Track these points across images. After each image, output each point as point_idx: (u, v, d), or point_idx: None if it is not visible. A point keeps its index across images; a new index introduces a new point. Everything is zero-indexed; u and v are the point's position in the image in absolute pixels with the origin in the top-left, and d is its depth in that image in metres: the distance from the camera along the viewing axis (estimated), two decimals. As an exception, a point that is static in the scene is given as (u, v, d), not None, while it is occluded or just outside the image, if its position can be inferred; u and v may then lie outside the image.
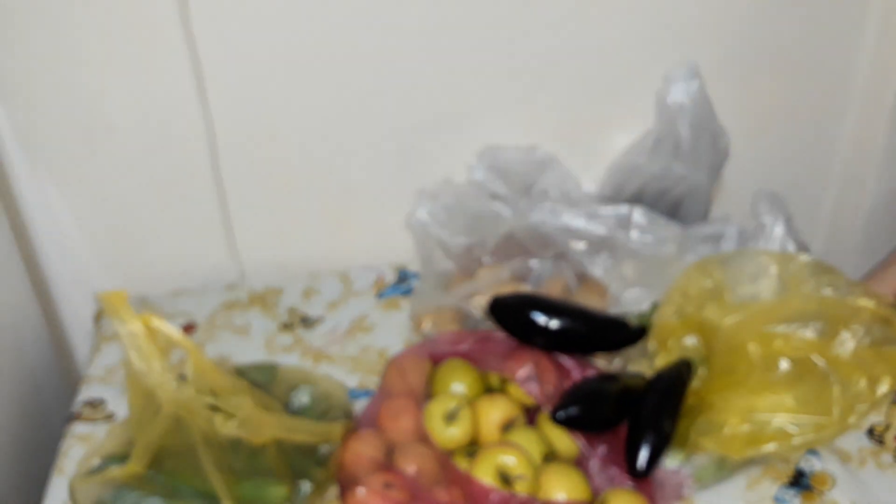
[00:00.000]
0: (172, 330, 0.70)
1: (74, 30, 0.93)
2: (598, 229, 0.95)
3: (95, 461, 0.81)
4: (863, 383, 0.74)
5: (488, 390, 0.89)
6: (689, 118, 1.05)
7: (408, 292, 1.09)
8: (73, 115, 0.98)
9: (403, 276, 1.13)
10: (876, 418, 0.87)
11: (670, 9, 1.05)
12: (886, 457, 0.83)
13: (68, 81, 0.96)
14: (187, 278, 1.10)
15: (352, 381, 0.95)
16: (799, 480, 0.82)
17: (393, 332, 1.02)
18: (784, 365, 0.75)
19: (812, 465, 0.83)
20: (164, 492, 0.76)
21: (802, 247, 0.94)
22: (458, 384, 0.87)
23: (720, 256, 0.92)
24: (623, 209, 0.96)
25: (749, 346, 0.76)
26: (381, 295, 1.09)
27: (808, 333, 0.76)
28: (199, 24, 0.94)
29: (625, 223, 0.96)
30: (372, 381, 0.95)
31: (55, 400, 1.06)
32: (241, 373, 0.86)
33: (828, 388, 0.74)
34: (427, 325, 0.98)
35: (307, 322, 1.04)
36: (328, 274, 1.12)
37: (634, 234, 0.95)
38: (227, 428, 0.69)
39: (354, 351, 0.99)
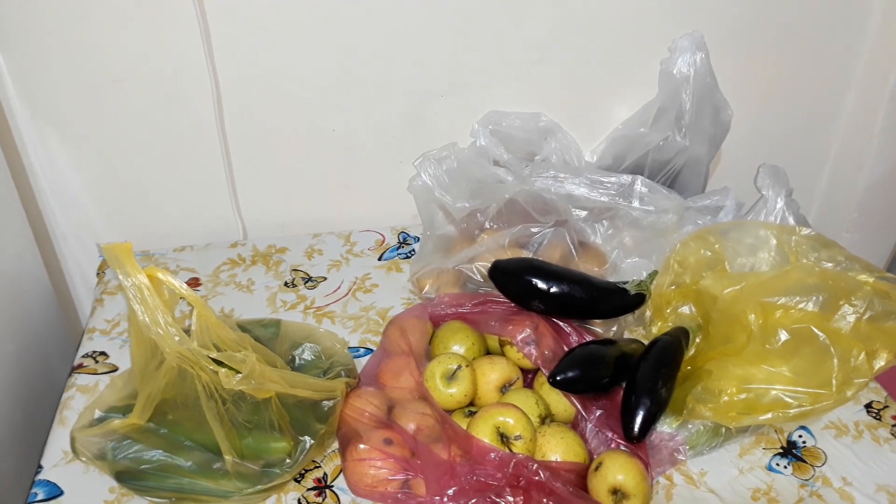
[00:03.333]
0: (178, 283, 0.70)
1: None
2: (601, 198, 0.96)
3: (97, 412, 0.82)
4: (861, 357, 0.75)
5: (487, 353, 0.90)
6: (692, 90, 1.05)
7: (408, 255, 1.10)
8: (79, 69, 0.98)
9: (404, 240, 1.13)
10: (875, 396, 0.89)
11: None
12: (883, 432, 0.85)
13: (75, 35, 0.96)
14: (190, 235, 1.11)
15: (353, 340, 0.96)
16: (791, 451, 0.83)
17: (393, 293, 1.03)
18: (783, 336, 0.75)
19: (805, 439, 0.85)
20: (165, 444, 0.77)
21: (801, 221, 0.95)
22: (458, 346, 0.88)
23: (719, 227, 0.92)
24: (625, 178, 0.97)
25: (748, 317, 0.77)
26: (382, 257, 1.10)
27: (809, 306, 0.76)
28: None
29: (627, 192, 0.96)
30: (372, 340, 0.96)
31: (57, 351, 1.07)
32: (245, 328, 0.86)
33: (826, 361, 0.74)
34: (428, 288, 0.99)
35: (310, 281, 1.05)
36: (330, 235, 1.13)
37: (636, 204, 0.95)
38: (232, 382, 0.70)
39: (355, 310, 1.00)
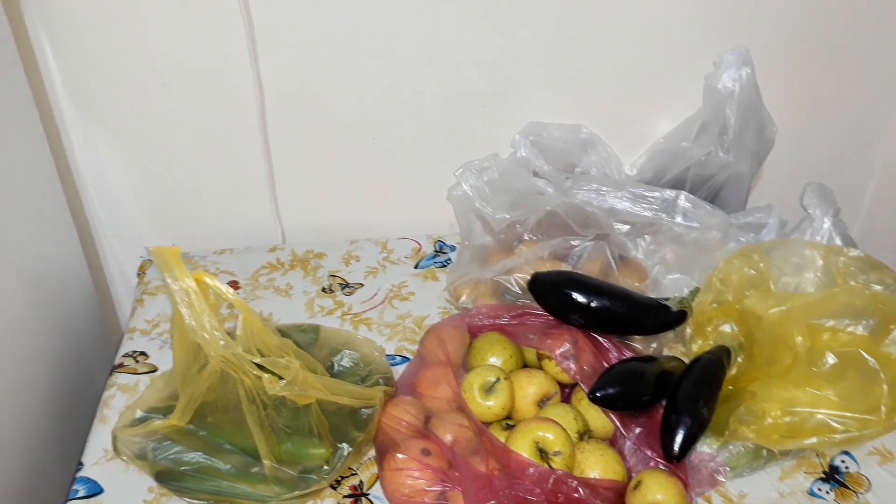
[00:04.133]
0: (224, 288, 0.71)
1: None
2: (644, 212, 0.95)
3: (138, 412, 0.82)
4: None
5: (524, 366, 0.90)
6: (737, 105, 1.04)
7: (444, 264, 1.10)
8: (127, 72, 0.99)
9: (440, 248, 1.13)
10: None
11: (722, -6, 1.04)
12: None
13: (123, 38, 0.97)
14: (230, 238, 1.12)
15: (389, 347, 0.96)
16: (833, 476, 0.82)
17: (429, 302, 1.03)
18: (830, 359, 0.74)
19: (848, 464, 0.83)
20: (205, 447, 0.78)
21: (849, 241, 0.93)
22: (495, 357, 0.88)
23: (764, 245, 0.91)
24: (669, 193, 0.96)
25: (794, 338, 0.76)
26: (418, 265, 1.10)
27: (858, 329, 0.75)
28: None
29: (670, 208, 0.95)
30: (408, 349, 0.96)
31: (98, 350, 1.09)
32: (285, 332, 0.87)
33: (875, 386, 0.73)
34: (464, 298, 0.99)
35: (347, 287, 1.05)
36: (368, 242, 1.13)
37: (679, 219, 0.94)
38: (276, 388, 0.70)
39: (392, 318, 1.01)
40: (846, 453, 0.84)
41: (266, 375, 0.71)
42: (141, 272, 1.08)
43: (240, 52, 0.98)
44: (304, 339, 0.88)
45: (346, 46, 1.01)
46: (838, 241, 0.92)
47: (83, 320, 1.07)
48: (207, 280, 0.71)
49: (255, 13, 0.97)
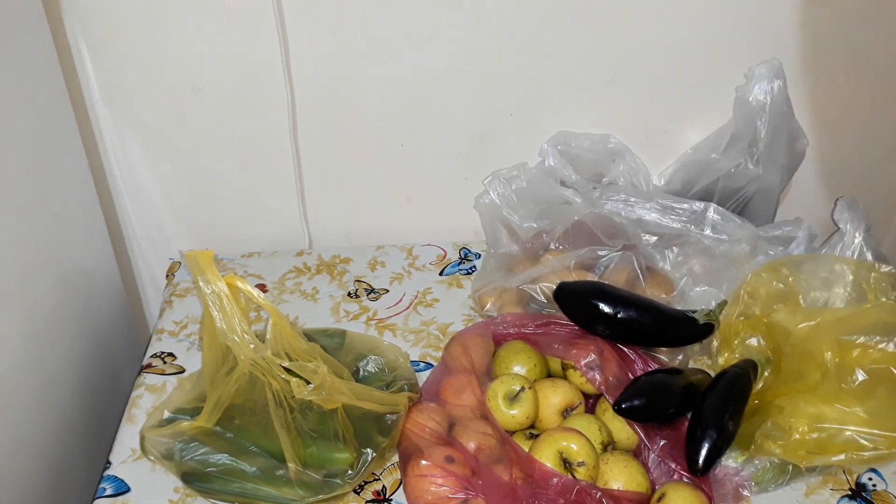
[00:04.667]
0: (256, 292, 0.72)
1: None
2: (672, 224, 0.95)
3: (165, 413, 0.84)
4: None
5: (548, 375, 0.90)
6: (768, 118, 1.03)
7: (469, 272, 1.10)
8: (162, 77, 1.01)
9: (465, 255, 1.14)
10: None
11: (753, 7, 1.03)
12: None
13: (159, 43, 0.98)
14: (258, 242, 1.13)
15: (413, 354, 0.96)
16: (860, 494, 0.81)
17: (454, 308, 1.03)
18: (860, 376, 0.74)
19: (875, 482, 0.82)
20: (231, 448, 0.79)
21: (880, 257, 0.92)
22: (520, 366, 0.88)
23: (793, 259, 0.91)
24: (698, 206, 0.95)
25: (824, 354, 0.75)
26: (443, 272, 1.10)
27: (889, 346, 0.74)
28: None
29: (699, 220, 0.95)
30: (432, 355, 0.96)
31: (126, 350, 1.10)
32: (311, 337, 0.88)
33: (906, 404, 0.72)
34: (489, 305, 0.99)
35: (372, 293, 1.06)
36: (393, 248, 1.14)
37: (708, 231, 0.94)
38: (304, 392, 0.71)
39: (416, 324, 1.01)
40: (874, 471, 0.83)
41: (294, 379, 0.72)
42: (170, 274, 1.09)
43: (272, 58, 0.99)
44: (331, 343, 0.88)
45: (378, 54, 1.02)
46: (869, 257, 0.91)
47: (112, 320, 1.08)
48: (239, 284, 0.72)
49: (289, 20, 0.98)
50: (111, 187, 1.10)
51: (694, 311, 0.90)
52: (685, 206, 0.96)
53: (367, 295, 1.05)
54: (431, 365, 0.95)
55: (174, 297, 1.05)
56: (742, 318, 0.90)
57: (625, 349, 0.90)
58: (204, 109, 1.04)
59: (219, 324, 0.71)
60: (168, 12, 0.96)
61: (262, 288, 1.06)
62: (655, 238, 0.96)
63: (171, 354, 0.96)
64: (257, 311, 1.02)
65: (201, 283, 0.71)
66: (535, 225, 0.98)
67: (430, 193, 1.16)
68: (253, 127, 1.06)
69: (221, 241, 1.13)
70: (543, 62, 1.06)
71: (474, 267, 1.11)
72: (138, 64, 1.00)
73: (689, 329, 0.89)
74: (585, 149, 1.09)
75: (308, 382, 0.72)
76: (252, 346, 0.72)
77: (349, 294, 1.05)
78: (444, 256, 1.13)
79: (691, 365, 0.94)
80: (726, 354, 0.90)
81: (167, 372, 0.94)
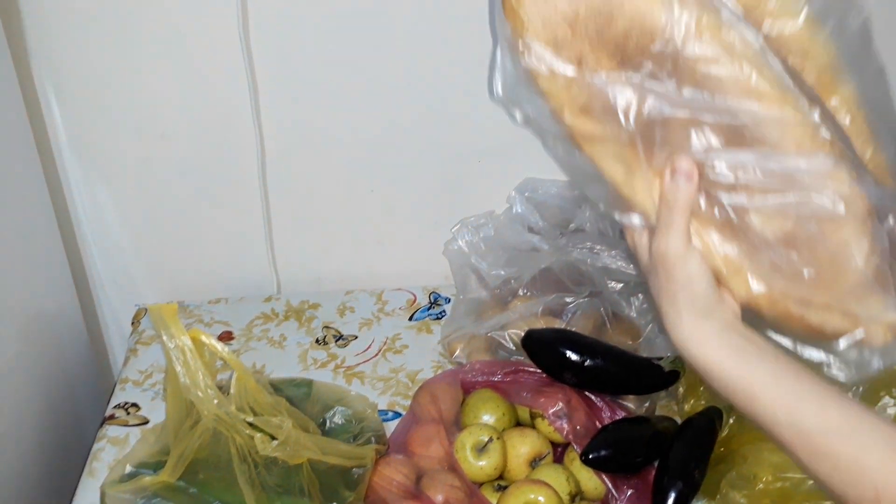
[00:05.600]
0: (220, 346, 0.71)
1: (136, 38, 0.95)
2: (636, 271, 0.96)
3: (127, 467, 0.82)
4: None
5: (517, 424, 0.90)
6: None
7: (439, 317, 1.11)
8: (130, 122, 1.01)
9: (435, 300, 1.14)
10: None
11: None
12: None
13: (127, 88, 0.99)
14: (226, 287, 1.12)
15: (382, 402, 0.96)
16: (825, 540, 0.82)
17: (423, 355, 1.03)
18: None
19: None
20: None
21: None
22: (488, 415, 0.88)
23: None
24: (662, 253, 0.97)
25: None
26: (412, 317, 1.10)
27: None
28: (256, 41, 0.96)
29: (663, 267, 0.96)
30: (401, 404, 0.96)
31: (89, 400, 1.08)
32: (278, 387, 0.87)
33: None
34: (458, 352, 0.99)
35: (341, 339, 1.05)
36: (363, 293, 1.13)
37: (672, 279, 0.95)
38: (268, 449, 0.70)
39: (385, 371, 1.01)
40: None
41: (258, 435, 0.71)
42: (136, 321, 1.08)
43: (241, 104, 1.00)
44: (297, 393, 0.88)
45: (348, 100, 1.03)
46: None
47: (75, 369, 1.06)
48: (203, 339, 0.71)
49: (258, 66, 0.98)
50: (76, 232, 1.09)
51: (660, 359, 0.91)
52: (650, 254, 0.97)
53: (336, 341, 1.05)
54: (400, 414, 0.94)
55: (139, 344, 1.03)
56: (707, 365, 0.91)
57: (592, 397, 0.90)
58: (172, 154, 1.04)
59: (182, 379, 0.70)
60: (137, 58, 0.96)
61: (228, 336, 1.05)
62: (621, 285, 0.97)
63: (134, 405, 0.95)
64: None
65: (165, 338, 0.70)
66: (503, 273, 0.99)
67: (400, 238, 1.16)
68: (221, 172, 1.06)
69: (189, 286, 1.13)
70: (511, 109, 1.08)
71: (444, 312, 1.11)
72: (106, 109, 1.00)
73: (655, 377, 0.90)
74: (552, 195, 1.11)
75: (273, 438, 0.72)
76: (216, 401, 0.71)
77: (317, 341, 1.05)
78: (414, 301, 1.13)
79: (658, 411, 0.95)
80: (692, 401, 0.91)
81: (130, 423, 0.92)
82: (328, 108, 1.03)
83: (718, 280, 0.51)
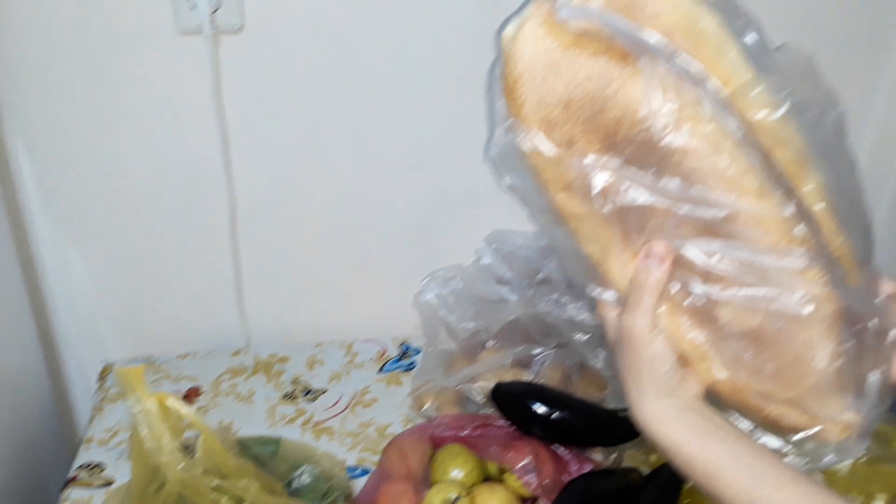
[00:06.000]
0: (186, 410, 0.71)
1: (106, 94, 0.96)
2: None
3: (91, 530, 0.81)
4: (859, 501, 0.75)
5: (486, 478, 0.90)
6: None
7: (409, 368, 1.11)
8: (98, 176, 1.01)
9: (405, 351, 1.14)
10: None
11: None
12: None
13: (97, 143, 0.99)
14: (195, 341, 1.12)
15: (351, 458, 0.96)
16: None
17: (393, 408, 1.03)
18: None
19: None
20: (159, 567, 0.76)
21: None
22: (457, 470, 0.88)
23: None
24: (627, 305, 0.98)
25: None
26: (382, 369, 1.10)
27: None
28: (228, 96, 0.98)
29: (628, 319, 0.98)
30: (370, 459, 0.96)
31: (54, 460, 1.06)
32: (245, 445, 0.87)
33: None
34: (428, 405, 1.00)
35: (309, 393, 1.05)
36: (332, 345, 1.14)
37: (637, 331, 0.97)
38: (234, 513, 0.70)
39: (354, 426, 1.00)
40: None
41: (224, 498, 0.71)
42: (102, 377, 1.07)
43: (213, 159, 1.01)
44: (265, 452, 0.87)
45: (319, 155, 1.04)
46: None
47: (39, 426, 1.05)
48: (170, 402, 0.71)
49: (231, 120, 0.99)
50: (43, 286, 1.08)
51: (625, 410, 0.92)
52: (615, 306, 0.98)
53: (305, 396, 1.04)
54: (369, 470, 0.94)
55: (105, 402, 1.02)
56: (673, 416, 0.92)
57: (560, 450, 0.91)
58: (141, 208, 1.04)
59: (148, 443, 0.70)
60: (107, 114, 0.97)
61: (196, 392, 1.04)
62: (587, 336, 0.98)
63: (98, 465, 0.93)
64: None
65: (131, 402, 0.70)
66: (471, 325, 1.00)
67: (370, 289, 1.17)
68: (191, 225, 1.06)
69: (157, 340, 1.12)
70: (479, 163, 1.09)
71: (414, 363, 1.12)
72: (75, 163, 1.00)
73: (622, 429, 0.91)
74: (520, 245, 1.12)
75: (239, 501, 0.71)
76: (181, 465, 0.70)
77: (286, 395, 1.04)
78: (385, 352, 1.14)
79: (626, 462, 0.96)
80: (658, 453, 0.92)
81: (94, 485, 0.91)
82: (299, 163, 1.04)
83: (683, 361, 0.52)
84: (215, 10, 0.90)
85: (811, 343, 0.49)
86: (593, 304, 1.01)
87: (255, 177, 1.04)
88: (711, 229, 0.48)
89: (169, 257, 1.08)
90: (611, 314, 0.54)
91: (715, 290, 0.49)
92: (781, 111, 0.48)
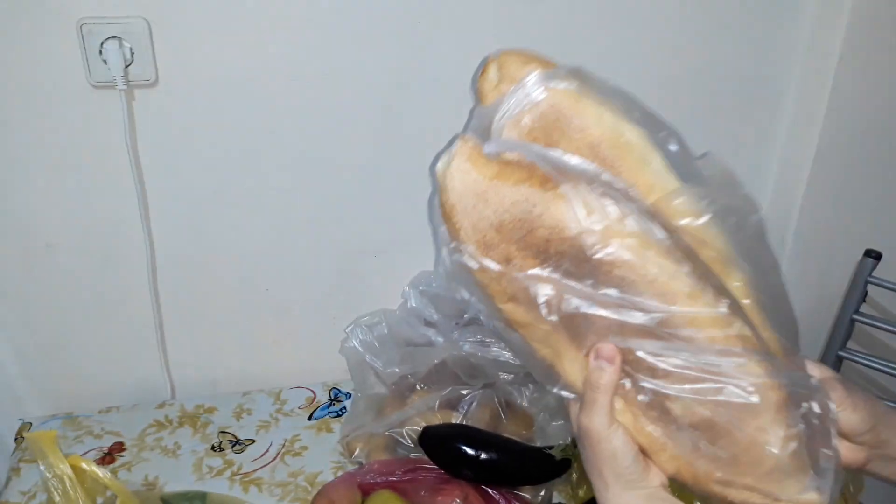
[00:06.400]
0: (101, 472, 0.70)
1: (18, 147, 0.94)
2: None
3: None
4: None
5: (417, 523, 0.90)
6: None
7: (339, 413, 1.11)
8: (12, 233, 0.99)
9: (335, 396, 1.14)
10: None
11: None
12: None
13: (9, 199, 0.97)
14: (118, 395, 1.09)
15: (280, 509, 0.95)
16: None
17: (323, 456, 1.03)
18: None
19: None
20: None
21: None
22: (387, 517, 0.88)
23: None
24: (549, 343, 1.01)
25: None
26: (312, 416, 1.10)
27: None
28: (144, 148, 0.97)
29: (551, 357, 1.00)
30: (301, 510, 0.95)
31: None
32: (169, 502, 0.85)
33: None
34: (358, 452, 0.99)
35: (237, 444, 1.03)
36: (261, 393, 1.12)
37: (560, 369, 0.99)
38: (152, 578, 0.68)
39: (283, 476, 0.99)
40: None
41: (144, 563, 0.69)
42: (19, 437, 1.03)
43: (130, 211, 0.99)
44: (190, 509, 0.86)
45: (240, 203, 1.04)
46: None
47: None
48: (84, 465, 0.69)
49: (147, 173, 0.98)
50: (-45, 347, 1.05)
51: (551, 448, 0.94)
52: (538, 344, 1.01)
53: (232, 447, 1.03)
54: (299, 520, 0.93)
55: (22, 462, 0.99)
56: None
57: (490, 490, 0.92)
58: (58, 264, 1.02)
59: (61, 510, 0.68)
60: (21, 167, 0.95)
61: (119, 447, 1.02)
62: (512, 376, 1.00)
63: (16, 531, 0.90)
64: (115, 472, 0.98)
65: (42, 468, 0.68)
66: (397, 370, 1.01)
67: (297, 335, 1.16)
68: (110, 279, 1.04)
69: (78, 396, 1.09)
70: (404, 206, 1.11)
71: (344, 408, 1.12)
72: (-13, 222, 0.98)
73: (547, 466, 0.93)
74: (446, 287, 1.14)
75: (159, 565, 0.70)
76: (98, 530, 0.69)
77: (213, 447, 1.03)
78: (314, 399, 1.13)
79: (555, 498, 0.97)
80: (585, 487, 0.94)
81: (10, 552, 0.87)
82: (218, 213, 1.04)
83: (645, 453, 0.54)
84: (128, 65, 0.90)
85: (762, 429, 0.51)
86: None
87: (174, 229, 1.03)
88: (651, 331, 0.51)
89: (88, 312, 1.05)
90: (573, 411, 0.56)
91: (663, 386, 0.51)
92: (704, 219, 0.52)
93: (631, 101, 0.54)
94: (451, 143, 0.55)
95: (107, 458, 1.00)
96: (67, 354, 1.08)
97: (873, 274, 1.17)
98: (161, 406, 1.09)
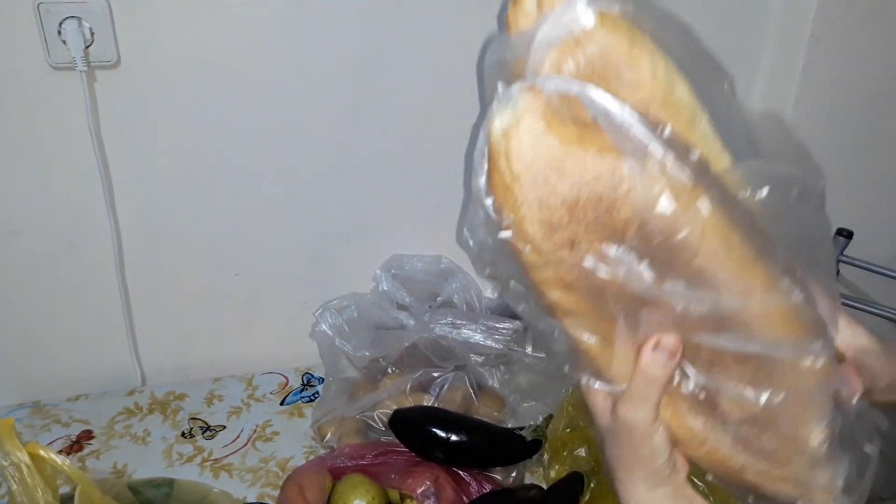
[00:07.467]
0: (60, 459, 0.69)
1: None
2: (496, 345, 0.99)
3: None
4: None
5: (388, 505, 0.90)
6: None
7: (312, 398, 1.10)
8: (-28, 220, 0.97)
9: (308, 381, 1.13)
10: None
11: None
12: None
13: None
14: (87, 383, 1.08)
15: (251, 495, 0.94)
16: None
17: (295, 441, 1.02)
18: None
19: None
20: None
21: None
22: (359, 500, 0.87)
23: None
24: (519, 324, 1.00)
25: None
26: (284, 401, 1.09)
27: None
28: (108, 132, 0.95)
29: (521, 338, 1.00)
30: (271, 495, 0.94)
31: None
32: (136, 490, 0.84)
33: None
34: (329, 436, 0.99)
35: (208, 431, 1.03)
36: (232, 379, 1.11)
37: (529, 349, 0.99)
38: (114, 565, 0.68)
39: (254, 462, 0.99)
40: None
41: (106, 549, 0.69)
42: (-16, 426, 1.02)
43: (94, 195, 0.98)
44: (157, 495, 0.85)
45: (208, 185, 1.03)
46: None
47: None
48: (42, 452, 0.68)
49: (111, 156, 0.97)
50: (-83, 336, 1.03)
51: (522, 429, 0.93)
52: (507, 325, 1.00)
53: (203, 433, 1.02)
54: (269, 506, 0.93)
55: (-12, 452, 0.97)
56: (569, 430, 0.94)
57: (460, 472, 0.92)
58: (22, 250, 1.00)
59: (19, 499, 0.67)
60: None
61: (88, 435, 1.00)
62: (483, 358, 1.00)
63: (-21, 523, 0.89)
64: (83, 460, 0.97)
65: (0, 456, 0.67)
66: (367, 353, 1.00)
67: (269, 320, 1.15)
68: (75, 264, 1.03)
69: (46, 384, 1.07)
70: (376, 189, 1.10)
71: (317, 393, 1.11)
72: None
73: (519, 447, 0.92)
74: (419, 270, 1.13)
75: (122, 551, 0.69)
76: (58, 518, 0.68)
77: (183, 434, 1.02)
78: (286, 384, 1.12)
79: (528, 478, 0.97)
80: (557, 467, 0.94)
81: (-26, 543, 0.86)
82: (185, 196, 1.03)
83: (678, 446, 0.51)
84: (88, 45, 0.88)
85: (807, 422, 0.49)
86: (488, 328, 1.03)
87: (140, 213, 1.01)
88: (720, 324, 0.46)
89: (54, 299, 1.04)
90: (601, 403, 0.51)
91: (718, 383, 0.48)
92: (764, 191, 0.45)
93: (688, 36, 0.46)
94: (505, 96, 0.42)
95: (75, 446, 0.99)
96: (34, 342, 1.06)
97: (845, 253, 1.17)
98: (131, 393, 1.08)
